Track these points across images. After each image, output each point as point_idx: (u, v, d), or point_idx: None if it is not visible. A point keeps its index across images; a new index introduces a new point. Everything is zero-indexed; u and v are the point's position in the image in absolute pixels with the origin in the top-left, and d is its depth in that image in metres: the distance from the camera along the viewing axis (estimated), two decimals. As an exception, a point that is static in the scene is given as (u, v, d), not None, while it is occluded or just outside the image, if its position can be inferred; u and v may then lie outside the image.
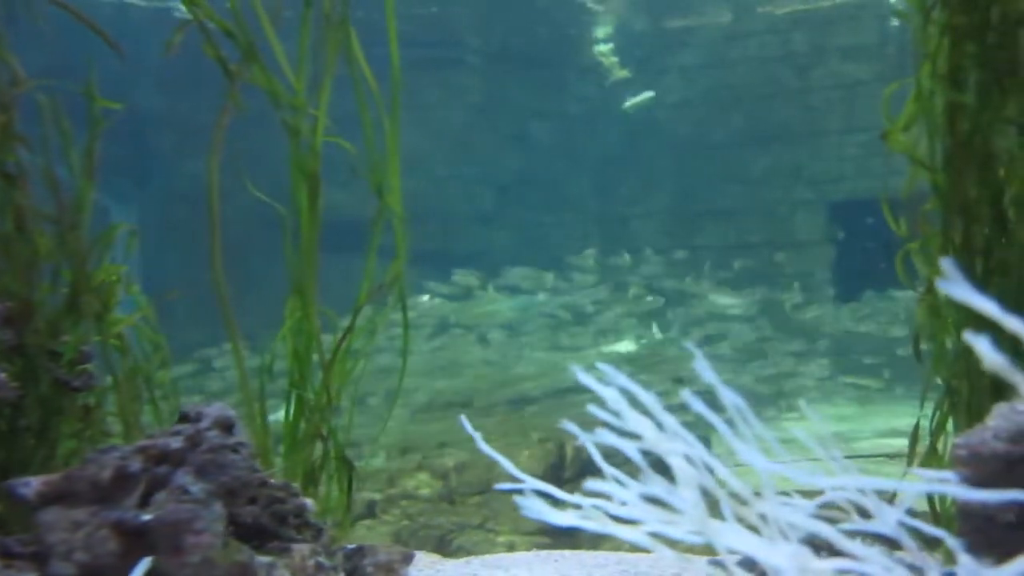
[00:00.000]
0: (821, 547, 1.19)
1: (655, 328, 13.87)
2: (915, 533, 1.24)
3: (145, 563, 1.75)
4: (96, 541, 1.78)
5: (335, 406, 2.89)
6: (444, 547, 6.53)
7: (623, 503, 1.24)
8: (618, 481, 1.25)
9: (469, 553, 5.17)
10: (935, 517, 2.56)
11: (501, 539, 6.63)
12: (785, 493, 1.25)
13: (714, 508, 1.24)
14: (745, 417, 1.21)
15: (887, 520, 1.23)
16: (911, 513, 1.25)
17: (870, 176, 14.13)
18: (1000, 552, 1.31)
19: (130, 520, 1.80)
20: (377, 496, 7.32)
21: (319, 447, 2.89)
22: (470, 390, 10.88)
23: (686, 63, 16.78)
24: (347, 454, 2.94)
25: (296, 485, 2.26)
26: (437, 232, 14.91)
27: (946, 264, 0.94)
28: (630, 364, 11.91)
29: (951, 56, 2.42)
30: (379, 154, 2.92)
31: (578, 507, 1.26)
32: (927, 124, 2.53)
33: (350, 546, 2.40)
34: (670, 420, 1.25)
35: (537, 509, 1.23)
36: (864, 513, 1.25)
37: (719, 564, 1.22)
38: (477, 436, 1.51)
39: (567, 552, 2.95)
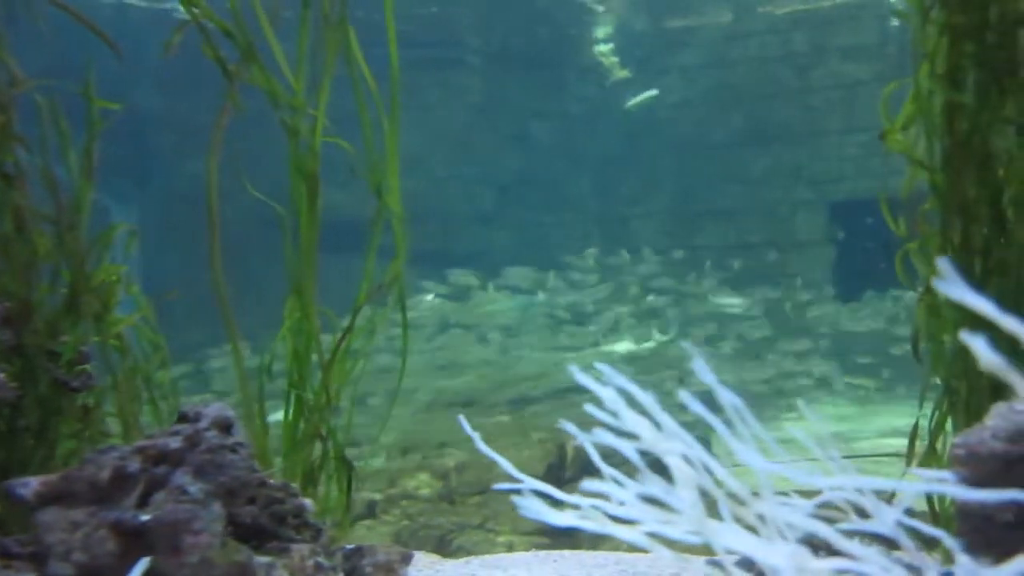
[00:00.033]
0: (820, 547, 1.19)
1: (655, 328, 13.86)
2: (914, 533, 1.24)
3: (143, 563, 1.75)
4: (94, 541, 1.78)
5: (334, 406, 2.89)
6: (444, 547, 6.53)
7: (621, 503, 1.24)
8: (616, 481, 1.25)
9: (469, 553, 5.16)
10: (934, 517, 2.56)
11: (501, 539, 6.63)
12: (784, 493, 1.25)
13: (713, 508, 1.24)
14: (743, 417, 1.21)
15: (885, 520, 1.23)
16: (910, 513, 1.25)
17: (870, 176, 14.12)
18: (999, 552, 1.31)
19: (128, 520, 1.80)
20: (377, 496, 7.32)
21: (318, 447, 2.89)
22: (470, 390, 10.88)
23: (686, 63, 16.79)
24: (347, 454, 2.94)
25: (295, 485, 2.26)
26: (437, 232, 14.91)
27: (942, 264, 0.94)
28: (630, 364, 11.91)
29: (950, 56, 2.42)
30: (379, 154, 2.91)
31: (576, 507, 1.26)
32: (926, 124, 2.53)
33: (349, 546, 2.40)
34: (668, 420, 1.25)
35: (535, 509, 1.23)
36: (862, 513, 1.25)
37: (717, 564, 1.22)
38: (475, 436, 1.51)
39: (566, 552, 2.95)
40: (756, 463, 1.17)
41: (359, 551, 2.33)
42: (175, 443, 1.91)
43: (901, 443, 2.76)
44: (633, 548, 1.28)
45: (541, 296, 14.48)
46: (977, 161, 2.40)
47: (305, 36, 2.79)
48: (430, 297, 13.91)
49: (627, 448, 1.22)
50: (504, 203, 16.72)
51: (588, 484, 1.22)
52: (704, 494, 1.23)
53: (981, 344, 0.92)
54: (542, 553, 2.98)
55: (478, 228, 16.51)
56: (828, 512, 1.24)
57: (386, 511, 7.23)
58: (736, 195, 16.06)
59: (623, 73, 17.46)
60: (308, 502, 2.22)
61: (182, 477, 1.85)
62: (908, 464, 2.68)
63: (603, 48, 17.76)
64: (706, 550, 1.22)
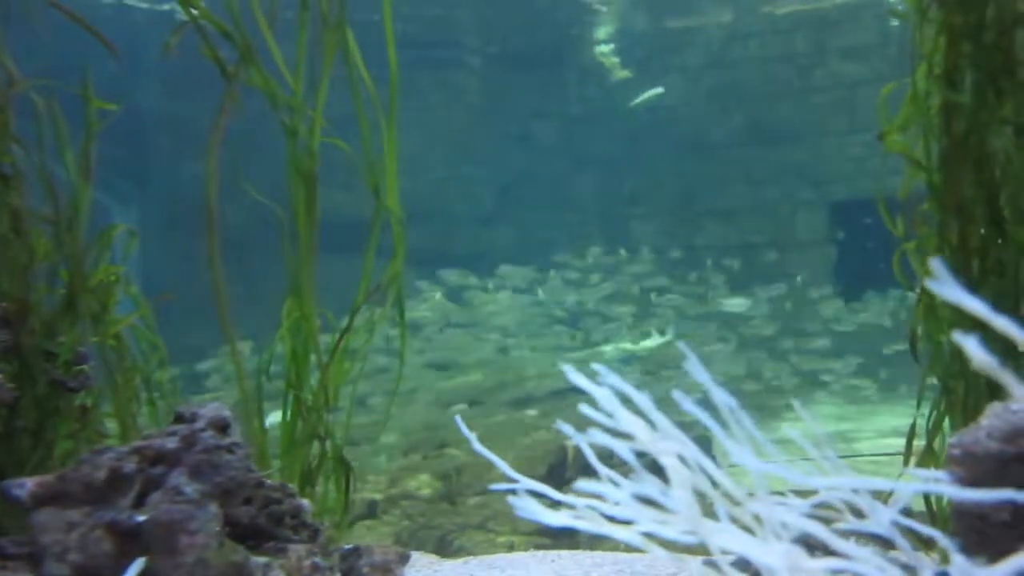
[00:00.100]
0: (816, 547, 1.19)
1: (656, 328, 13.86)
2: (911, 533, 1.24)
3: (139, 563, 1.75)
4: (90, 542, 1.78)
5: (332, 406, 2.89)
6: (445, 547, 6.52)
7: (616, 503, 1.24)
8: (612, 481, 1.25)
9: (469, 553, 5.16)
10: (932, 517, 2.56)
11: (501, 539, 6.62)
12: (780, 493, 1.25)
13: (711, 508, 1.24)
14: (738, 417, 1.21)
15: (881, 520, 1.23)
16: (907, 513, 1.25)
17: (871, 176, 14.10)
18: (994, 551, 1.31)
19: (124, 521, 1.80)
20: (378, 496, 7.32)
21: (317, 447, 2.89)
22: (471, 390, 10.89)
23: (687, 63, 16.78)
24: (347, 454, 2.94)
25: (292, 486, 2.26)
26: (439, 232, 14.92)
27: (935, 264, 0.93)
28: (631, 364, 11.91)
29: (948, 56, 2.41)
30: (377, 155, 2.92)
31: (572, 507, 1.26)
32: (924, 124, 2.53)
33: (347, 546, 2.40)
34: (663, 420, 1.25)
35: (531, 509, 1.22)
36: (858, 513, 1.25)
37: (714, 564, 1.21)
38: (472, 437, 1.51)
39: (564, 552, 2.94)
40: (751, 463, 1.17)
41: (356, 551, 2.33)
42: (171, 443, 1.91)
43: (901, 443, 2.75)
44: (631, 548, 1.28)
45: (542, 296, 14.48)
46: (974, 161, 2.40)
47: (303, 37, 2.79)
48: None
49: (622, 448, 1.21)
50: (505, 203, 16.73)
51: (583, 484, 1.22)
52: (701, 494, 1.23)
53: (974, 344, 0.92)
54: (540, 553, 2.97)
55: (479, 228, 16.52)
56: (824, 512, 1.24)
57: (387, 511, 7.23)
58: (737, 195, 16.06)
59: (624, 73, 17.46)
60: (305, 502, 2.21)
61: (178, 477, 1.84)
62: (906, 464, 2.68)
63: (604, 48, 17.76)
64: (704, 550, 1.22)
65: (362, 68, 2.88)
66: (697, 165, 16.26)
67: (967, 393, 2.44)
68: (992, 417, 1.36)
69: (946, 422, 2.56)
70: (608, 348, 13.31)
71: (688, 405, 1.19)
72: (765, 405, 10.94)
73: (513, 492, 1.26)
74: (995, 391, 2.15)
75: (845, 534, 1.19)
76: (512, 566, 2.78)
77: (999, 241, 2.39)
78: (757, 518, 1.23)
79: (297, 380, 2.87)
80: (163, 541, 1.77)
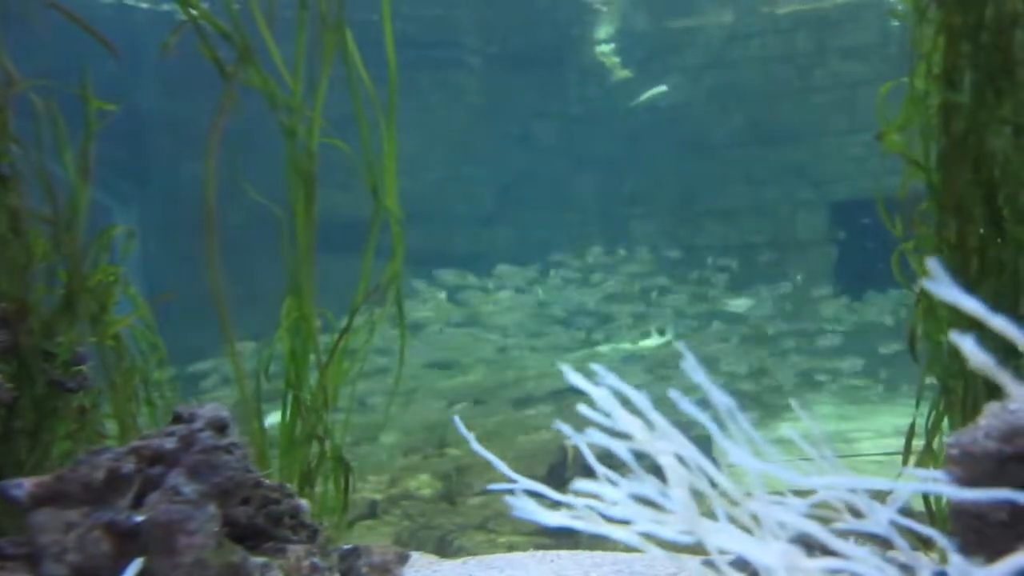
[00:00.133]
0: (814, 547, 1.19)
1: (656, 328, 13.85)
2: (911, 532, 1.24)
3: (137, 564, 1.75)
4: (89, 542, 1.78)
5: (332, 406, 2.89)
6: (445, 547, 6.52)
7: (614, 503, 1.24)
8: (610, 481, 1.25)
9: (470, 554, 5.16)
10: (931, 516, 2.56)
11: (502, 540, 6.62)
12: (779, 493, 1.25)
13: (709, 508, 1.24)
14: (735, 417, 1.21)
15: (879, 519, 1.22)
16: (908, 512, 1.25)
17: (872, 176, 14.08)
18: (992, 551, 1.31)
19: (122, 521, 1.80)
20: (378, 497, 7.32)
21: (316, 447, 2.89)
22: (471, 390, 10.89)
23: (688, 63, 16.78)
24: (347, 454, 2.94)
25: (291, 486, 2.26)
26: (439, 232, 14.93)
27: (932, 264, 0.93)
28: (633, 363, 11.91)
29: (946, 56, 2.41)
30: (377, 155, 2.92)
31: (571, 507, 1.26)
32: (922, 124, 2.53)
33: (345, 546, 2.40)
34: (660, 419, 1.25)
35: (528, 509, 1.22)
36: (857, 513, 1.25)
37: (712, 564, 1.21)
38: (471, 437, 1.51)
39: (563, 552, 2.94)
40: (747, 463, 1.17)
41: (355, 551, 2.33)
42: (169, 444, 1.91)
43: (903, 443, 2.76)
44: (631, 548, 1.28)
45: (542, 296, 14.48)
46: (973, 161, 2.40)
47: (302, 37, 2.79)
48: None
49: (620, 448, 1.21)
50: (505, 203, 16.74)
51: (580, 484, 1.22)
52: (700, 494, 1.23)
53: (970, 344, 0.92)
54: (539, 553, 2.97)
55: (479, 228, 16.53)
56: (823, 512, 1.24)
57: (387, 511, 7.23)
58: (738, 195, 16.06)
59: (624, 73, 17.45)
60: (304, 502, 2.21)
61: (176, 478, 1.84)
62: (905, 463, 2.68)
63: (604, 48, 17.76)
64: (703, 550, 1.22)
65: (361, 68, 2.88)
66: (697, 165, 16.25)
67: (966, 393, 2.44)
68: (990, 417, 1.36)
69: (945, 422, 2.56)
70: (608, 348, 13.31)
71: (685, 405, 1.19)
72: (766, 404, 10.94)
73: (511, 492, 1.26)
74: (994, 391, 2.15)
75: (844, 534, 1.19)
76: (511, 566, 2.79)
77: (998, 240, 2.39)
78: (755, 518, 1.23)
79: (296, 380, 2.87)
80: (161, 541, 1.77)
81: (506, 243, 16.30)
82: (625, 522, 1.23)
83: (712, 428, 1.20)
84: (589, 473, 1.30)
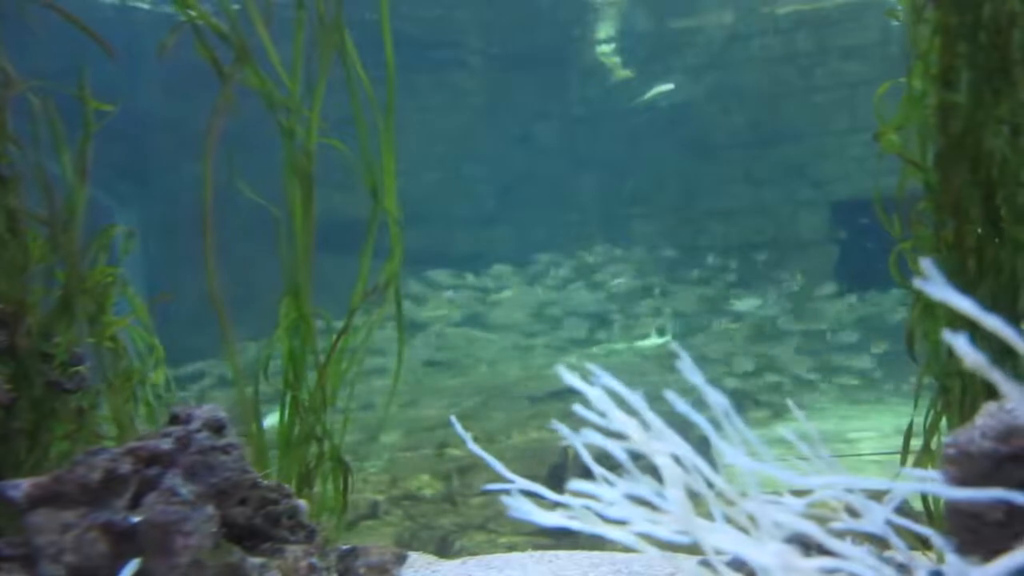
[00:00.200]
0: (811, 546, 1.19)
1: (656, 328, 13.85)
2: (908, 532, 1.24)
3: (134, 564, 1.75)
4: (85, 543, 1.78)
5: (330, 407, 2.89)
6: (446, 548, 6.52)
7: (611, 503, 1.24)
8: (607, 481, 1.25)
9: (470, 554, 5.16)
10: (929, 516, 2.55)
11: (503, 540, 6.62)
12: (776, 493, 1.24)
13: (706, 507, 1.24)
14: (730, 418, 1.21)
15: (875, 519, 1.22)
16: (906, 512, 1.25)
17: (873, 175, 14.06)
18: (989, 550, 1.31)
19: (119, 522, 1.80)
20: (379, 497, 7.32)
21: (315, 448, 2.88)
22: (472, 389, 10.89)
23: (689, 63, 16.77)
24: (346, 454, 2.94)
25: (289, 486, 2.26)
26: (440, 232, 14.93)
27: (926, 264, 0.93)
28: (632, 363, 11.90)
29: (944, 56, 2.41)
30: (376, 155, 2.92)
31: (568, 507, 1.26)
32: (920, 124, 2.53)
33: (344, 547, 2.40)
34: (656, 420, 1.24)
35: (524, 509, 1.22)
36: (853, 512, 1.25)
37: (709, 564, 1.21)
38: (467, 437, 1.51)
39: (562, 552, 2.94)
40: (742, 462, 1.17)
41: (353, 552, 2.33)
42: (166, 444, 1.91)
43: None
44: (629, 548, 1.28)
45: (543, 296, 14.48)
46: (970, 161, 2.40)
47: (300, 38, 2.79)
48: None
49: (615, 448, 1.21)
50: (506, 203, 16.74)
51: (576, 484, 1.22)
52: (696, 494, 1.22)
53: (963, 343, 0.92)
54: (537, 553, 2.97)
55: (480, 228, 16.54)
56: (820, 511, 1.24)
57: (388, 511, 7.22)
58: (739, 195, 16.05)
59: (625, 73, 17.45)
60: (302, 503, 2.21)
61: (173, 479, 1.84)
62: (903, 463, 2.67)
63: (605, 48, 17.75)
64: (700, 550, 1.22)
65: (359, 68, 2.88)
66: (698, 165, 16.25)
67: (964, 392, 2.44)
68: (986, 416, 1.36)
69: (943, 421, 2.55)
70: (610, 347, 13.31)
71: (680, 405, 1.18)
72: (767, 404, 10.93)
73: (508, 493, 1.26)
74: (992, 390, 2.15)
75: (841, 533, 1.19)
76: (510, 566, 2.78)
77: (996, 240, 2.38)
78: (751, 518, 1.22)
79: (295, 381, 2.86)
80: (158, 542, 1.77)
81: (507, 243, 16.30)
82: (621, 522, 1.23)
83: (706, 428, 1.20)
84: (589, 474, 1.30)
